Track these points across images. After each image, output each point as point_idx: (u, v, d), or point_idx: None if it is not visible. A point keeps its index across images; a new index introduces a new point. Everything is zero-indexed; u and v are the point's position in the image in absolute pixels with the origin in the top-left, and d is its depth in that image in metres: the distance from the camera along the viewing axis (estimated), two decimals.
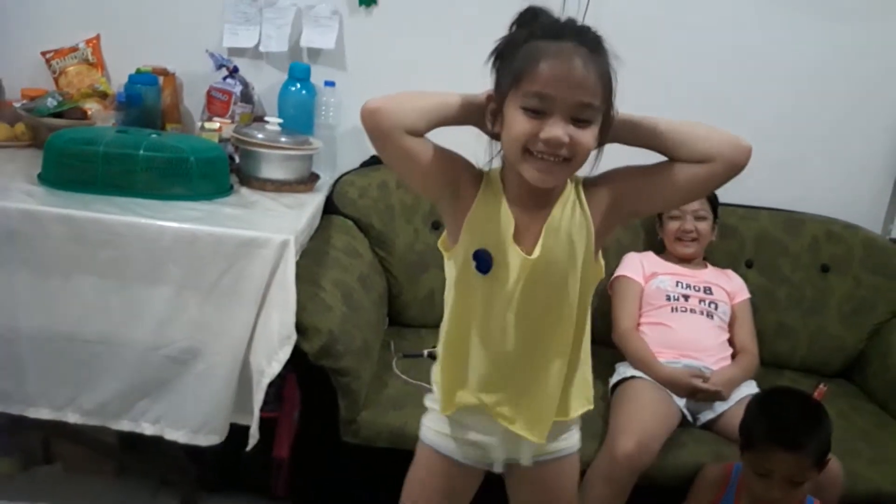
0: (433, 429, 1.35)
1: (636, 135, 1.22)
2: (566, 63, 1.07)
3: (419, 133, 1.19)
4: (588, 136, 1.10)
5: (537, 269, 1.19)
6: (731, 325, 2.15)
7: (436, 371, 1.36)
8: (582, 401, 1.33)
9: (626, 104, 2.54)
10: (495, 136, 1.20)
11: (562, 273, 1.21)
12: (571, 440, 1.35)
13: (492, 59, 1.18)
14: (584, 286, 1.24)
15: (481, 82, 2.46)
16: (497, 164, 1.25)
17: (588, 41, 1.09)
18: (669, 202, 1.63)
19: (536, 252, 1.18)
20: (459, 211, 1.22)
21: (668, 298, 2.11)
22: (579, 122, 1.09)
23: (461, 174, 1.23)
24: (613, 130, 1.18)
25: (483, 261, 1.21)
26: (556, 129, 1.07)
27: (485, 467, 1.35)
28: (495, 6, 2.29)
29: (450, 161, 1.23)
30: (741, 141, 1.19)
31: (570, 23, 1.12)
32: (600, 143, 1.16)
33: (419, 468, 1.38)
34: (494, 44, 1.17)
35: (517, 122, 1.10)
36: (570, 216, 1.20)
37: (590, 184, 1.23)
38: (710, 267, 2.26)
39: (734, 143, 1.19)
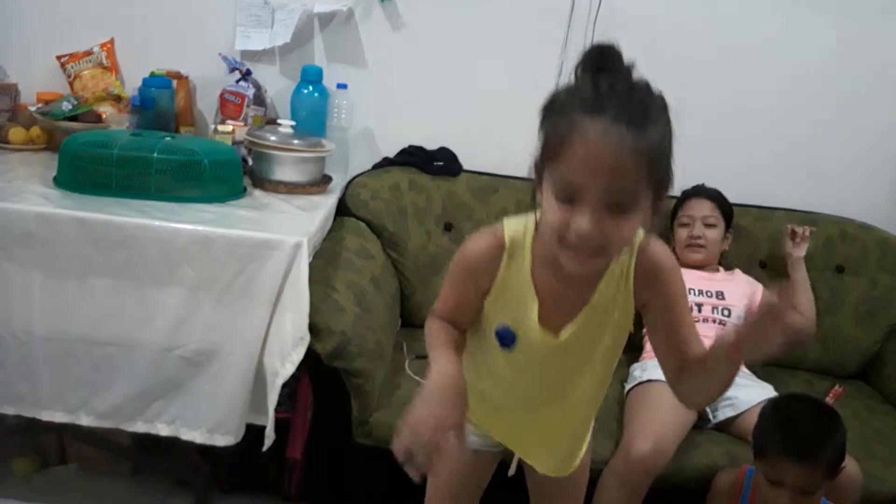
0: None
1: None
2: (597, 147, 0.92)
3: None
4: (624, 225, 0.96)
5: (565, 348, 1.16)
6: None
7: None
8: (586, 441, 1.37)
9: None
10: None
11: (592, 347, 1.19)
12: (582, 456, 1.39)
13: (540, 116, 1.04)
14: (615, 348, 1.21)
15: (492, 82, 2.47)
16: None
17: (632, 112, 0.93)
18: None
19: (565, 335, 1.15)
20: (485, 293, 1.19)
21: None
22: (615, 208, 0.95)
23: (484, 283, 1.18)
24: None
25: (505, 338, 1.19)
26: (584, 223, 0.95)
27: (500, 450, 1.37)
28: (510, 8, 2.31)
29: (476, 292, 1.19)
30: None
31: (618, 87, 0.95)
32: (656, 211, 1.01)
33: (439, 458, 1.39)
34: (547, 95, 1.03)
35: (549, 209, 0.99)
36: (613, 293, 1.13)
37: (644, 261, 1.12)
38: (722, 271, 2.25)
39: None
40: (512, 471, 1.39)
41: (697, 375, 1.11)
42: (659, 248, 1.13)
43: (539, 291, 1.13)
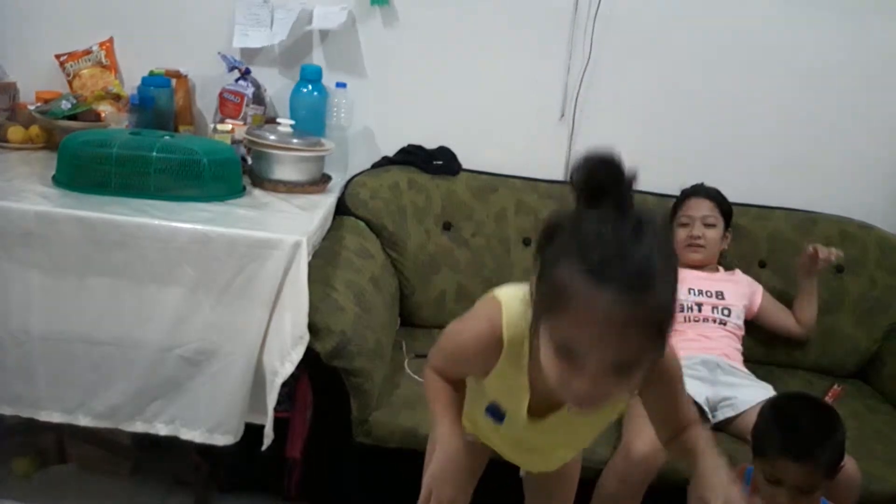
0: None
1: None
2: (603, 321, 0.87)
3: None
4: (627, 383, 0.94)
5: (553, 428, 1.18)
6: (773, 321, 2.22)
7: None
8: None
9: (635, 102, 2.55)
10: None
11: (581, 425, 1.23)
12: None
13: (537, 243, 0.98)
14: (609, 420, 1.26)
15: (491, 81, 2.47)
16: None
17: (637, 279, 0.87)
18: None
19: (552, 420, 1.16)
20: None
21: (682, 308, 2.10)
22: (619, 370, 0.91)
23: (480, 369, 1.18)
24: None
25: (496, 415, 1.21)
26: (585, 386, 0.92)
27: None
28: (510, 7, 2.31)
29: (468, 372, 1.23)
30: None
31: (622, 240, 0.88)
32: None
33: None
34: (543, 226, 0.97)
35: (548, 360, 0.95)
36: None
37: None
38: (721, 271, 2.25)
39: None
40: (523, 472, 1.44)
41: (679, 454, 1.18)
42: (667, 360, 1.08)
43: (532, 387, 1.12)
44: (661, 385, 1.12)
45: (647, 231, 0.89)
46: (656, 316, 0.89)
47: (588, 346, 0.90)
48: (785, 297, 2.30)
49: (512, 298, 1.09)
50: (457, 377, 1.24)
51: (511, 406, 1.17)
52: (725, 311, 2.12)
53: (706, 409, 1.88)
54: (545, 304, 0.94)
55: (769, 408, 1.64)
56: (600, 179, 0.91)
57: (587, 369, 0.91)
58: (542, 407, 1.14)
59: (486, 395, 1.21)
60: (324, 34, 2.34)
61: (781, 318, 2.23)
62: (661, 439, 1.22)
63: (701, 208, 2.22)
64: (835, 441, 1.52)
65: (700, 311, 2.10)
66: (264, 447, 1.66)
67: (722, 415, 1.91)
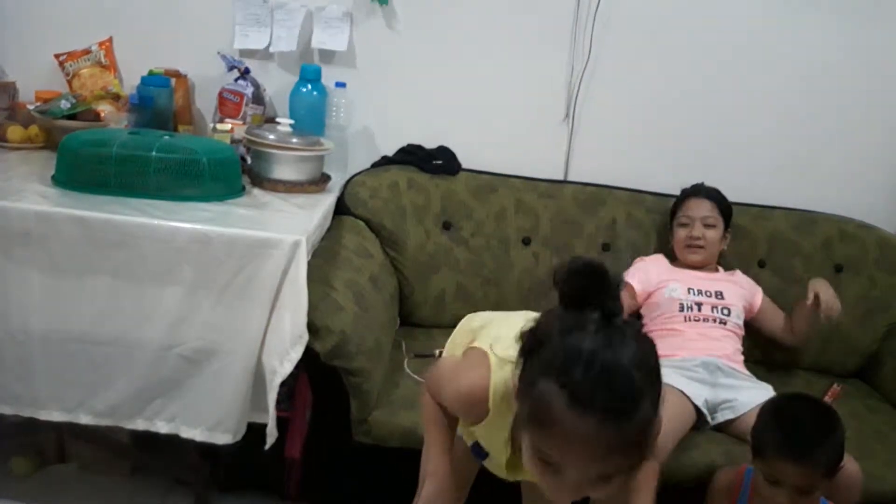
0: None
1: None
2: (583, 445, 0.89)
3: None
4: (608, 489, 0.95)
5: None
6: (767, 324, 2.21)
7: None
8: None
9: (634, 102, 2.55)
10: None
11: None
12: None
13: (519, 346, 1.00)
14: None
15: (491, 81, 2.47)
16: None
17: (618, 411, 0.89)
18: None
19: (529, 475, 1.12)
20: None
21: (682, 308, 2.10)
22: (601, 480, 0.94)
23: (469, 419, 1.23)
24: None
25: (478, 453, 1.26)
26: (564, 494, 0.95)
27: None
28: (509, 6, 2.31)
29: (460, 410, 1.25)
30: None
31: (604, 362, 0.90)
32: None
33: None
34: (528, 332, 0.98)
35: (529, 460, 0.97)
36: None
37: None
38: (721, 271, 2.25)
39: None
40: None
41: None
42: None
43: (515, 445, 1.14)
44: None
45: (629, 345, 0.91)
46: (637, 436, 0.91)
47: (568, 464, 0.92)
48: (784, 296, 2.30)
49: (502, 362, 1.12)
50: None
51: (493, 451, 1.22)
52: (725, 311, 2.12)
53: (705, 411, 1.88)
54: (527, 416, 0.95)
55: (769, 408, 1.64)
56: (585, 288, 0.93)
57: (567, 481, 0.93)
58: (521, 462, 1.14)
59: (471, 434, 1.26)
60: (324, 34, 2.34)
61: (777, 323, 2.22)
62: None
63: (701, 209, 2.22)
64: (834, 441, 1.52)
65: (700, 310, 2.10)
66: (267, 446, 1.66)
67: (722, 417, 1.91)
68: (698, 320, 2.09)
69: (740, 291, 2.19)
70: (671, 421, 1.80)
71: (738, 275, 2.26)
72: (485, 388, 1.13)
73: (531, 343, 0.97)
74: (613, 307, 0.93)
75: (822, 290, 2.06)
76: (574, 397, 0.88)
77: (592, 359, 0.89)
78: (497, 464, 1.23)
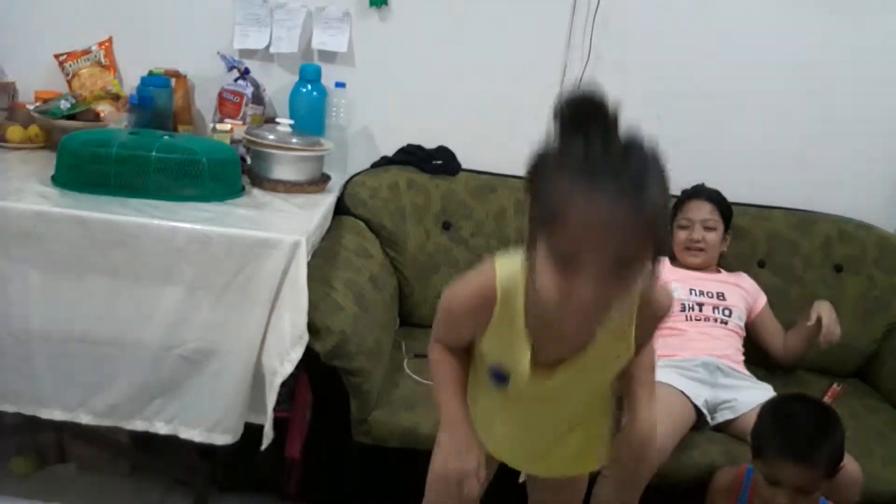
0: None
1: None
2: (600, 223, 0.90)
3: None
4: (626, 286, 0.96)
5: (560, 388, 1.17)
6: (763, 334, 2.19)
7: None
8: (596, 460, 1.36)
9: (633, 102, 2.54)
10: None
11: (591, 382, 1.21)
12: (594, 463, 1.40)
13: (526, 171, 1.00)
14: (613, 381, 1.25)
15: (490, 82, 2.47)
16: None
17: (631, 180, 0.90)
18: None
19: (559, 377, 1.15)
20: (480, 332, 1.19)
21: (684, 308, 2.10)
22: (617, 272, 0.93)
23: (477, 328, 1.19)
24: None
25: (498, 377, 1.20)
26: (586, 292, 0.93)
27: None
28: (509, 6, 2.31)
29: (469, 333, 1.22)
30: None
31: (613, 155, 0.91)
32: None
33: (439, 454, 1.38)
34: (530, 157, 0.99)
35: (546, 276, 0.96)
36: (614, 341, 1.14)
37: (647, 309, 1.13)
38: (723, 272, 2.25)
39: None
40: (522, 478, 1.40)
41: (623, 384, 1.24)
42: (661, 295, 1.15)
43: (532, 338, 1.13)
44: (645, 324, 1.16)
45: (637, 143, 0.93)
46: (651, 216, 0.91)
47: (587, 250, 0.91)
48: (784, 296, 2.30)
49: (506, 261, 1.13)
50: (457, 343, 1.24)
51: (513, 364, 1.16)
52: (726, 312, 2.12)
53: (705, 411, 1.88)
54: (542, 221, 0.96)
55: (768, 409, 1.64)
56: (586, 112, 0.93)
57: (588, 273, 0.92)
58: (547, 362, 1.14)
59: (486, 358, 1.20)
60: (324, 35, 2.34)
61: (772, 334, 2.21)
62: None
63: (701, 211, 2.21)
64: (834, 441, 1.53)
65: (701, 310, 2.10)
66: (264, 446, 1.66)
67: (721, 417, 1.91)
68: (700, 320, 2.09)
69: (742, 294, 2.19)
70: (671, 420, 1.80)
71: (743, 278, 2.25)
72: (490, 280, 1.12)
73: (536, 166, 0.98)
74: (615, 128, 0.93)
75: (826, 314, 2.06)
76: (587, 181, 0.90)
77: (601, 155, 0.91)
78: (521, 378, 1.16)
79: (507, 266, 1.11)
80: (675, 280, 2.16)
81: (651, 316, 1.15)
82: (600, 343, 1.13)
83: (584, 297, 0.93)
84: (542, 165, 0.97)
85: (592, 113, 0.92)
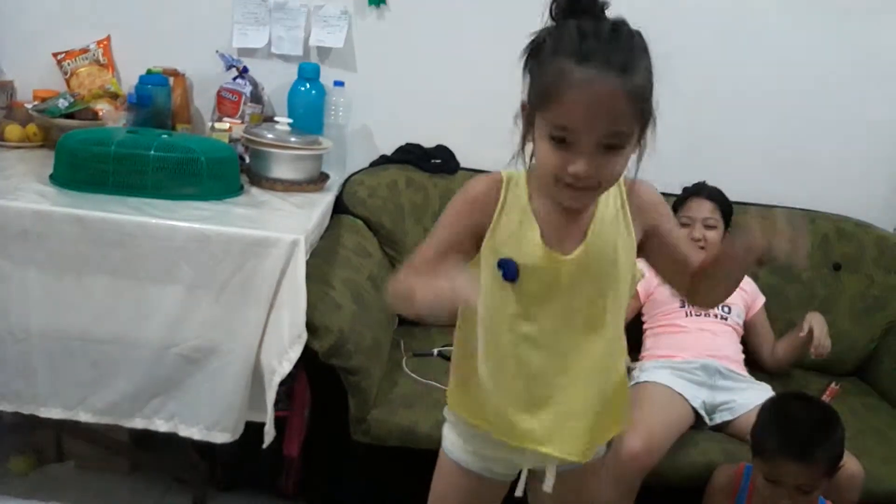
0: (456, 444, 1.28)
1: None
2: (591, 95, 0.99)
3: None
4: (618, 162, 1.05)
5: (576, 270, 1.14)
6: (753, 337, 2.19)
7: (452, 390, 1.29)
8: (620, 420, 1.28)
9: None
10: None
11: (603, 275, 1.16)
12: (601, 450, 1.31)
13: (523, 60, 1.10)
14: (623, 292, 1.20)
15: (489, 80, 2.46)
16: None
17: (619, 57, 1.01)
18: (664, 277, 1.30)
19: (576, 252, 1.13)
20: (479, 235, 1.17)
21: (683, 304, 2.10)
22: (609, 147, 1.03)
23: (482, 221, 1.16)
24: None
25: (508, 269, 1.14)
26: (582, 165, 1.01)
27: (509, 479, 1.30)
28: (508, 5, 2.31)
29: (471, 234, 1.16)
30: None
31: (602, 33, 1.02)
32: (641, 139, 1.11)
33: (442, 482, 1.32)
34: (527, 41, 1.10)
35: (544, 153, 1.05)
36: (614, 218, 1.17)
37: (635, 196, 1.19)
38: None
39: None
40: (519, 491, 1.28)
41: (710, 278, 1.20)
42: (645, 184, 1.21)
43: (538, 219, 1.15)
44: (655, 221, 1.21)
45: (624, 27, 1.04)
46: (637, 93, 1.02)
47: (580, 123, 1.00)
48: (783, 296, 2.31)
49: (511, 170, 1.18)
50: (446, 258, 1.14)
51: (525, 248, 1.13)
52: (725, 308, 2.11)
53: (703, 412, 1.88)
54: (538, 100, 1.04)
55: (768, 408, 1.64)
56: (568, 5, 1.04)
57: (581, 146, 1.01)
58: (564, 238, 1.14)
59: (496, 253, 1.15)
60: (323, 33, 2.34)
61: (762, 338, 2.20)
62: (684, 291, 1.25)
63: (702, 210, 2.20)
64: (834, 440, 1.53)
65: None
66: (265, 445, 1.67)
67: (720, 418, 1.91)
68: (699, 315, 2.09)
69: (740, 293, 2.19)
70: (668, 418, 1.80)
71: (743, 278, 2.25)
72: (497, 174, 1.19)
73: (531, 48, 1.08)
74: (604, 11, 1.04)
75: (817, 326, 2.07)
76: (576, 53, 1.00)
77: (590, 34, 1.01)
78: (534, 254, 1.13)
79: (510, 168, 1.18)
80: None
81: (643, 206, 1.20)
82: (599, 229, 1.15)
83: (580, 170, 1.02)
84: (537, 49, 1.07)
85: (583, 2, 1.03)
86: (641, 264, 1.23)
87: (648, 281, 2.17)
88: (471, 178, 1.22)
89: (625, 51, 1.02)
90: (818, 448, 1.51)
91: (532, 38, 1.09)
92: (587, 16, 1.03)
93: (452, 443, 1.29)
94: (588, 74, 0.99)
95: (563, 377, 1.18)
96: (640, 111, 1.05)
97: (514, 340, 1.17)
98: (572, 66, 1.00)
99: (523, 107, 1.11)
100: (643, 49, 1.07)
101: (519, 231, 1.14)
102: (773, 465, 1.53)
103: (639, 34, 1.06)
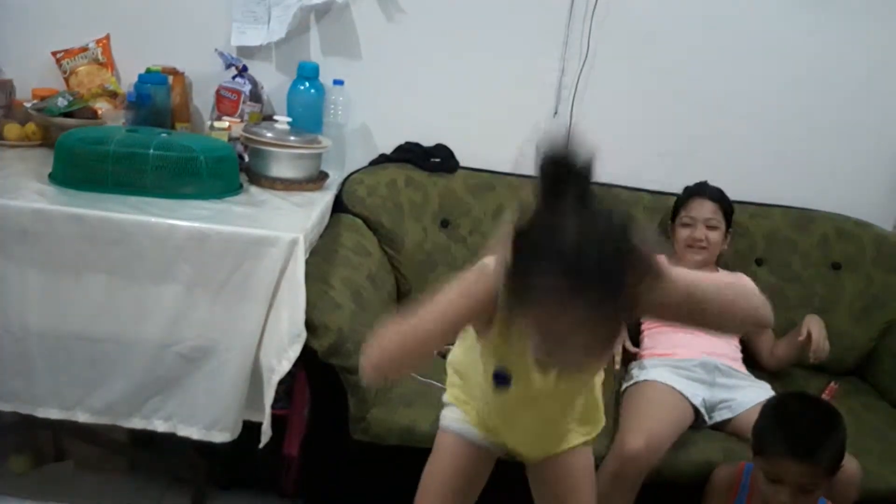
0: (454, 417, 1.39)
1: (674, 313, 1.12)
2: (570, 328, 0.94)
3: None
4: (600, 361, 1.06)
5: (558, 381, 1.21)
6: (752, 336, 2.18)
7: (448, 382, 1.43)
8: (588, 428, 1.41)
9: (632, 100, 2.55)
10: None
11: (582, 381, 1.28)
12: (576, 438, 1.40)
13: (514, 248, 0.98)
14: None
15: (489, 79, 2.46)
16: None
17: (602, 285, 0.91)
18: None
19: (553, 380, 1.19)
20: (484, 327, 1.18)
21: None
22: (592, 349, 1.01)
23: (484, 310, 1.12)
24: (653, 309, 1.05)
25: (501, 379, 1.23)
26: (568, 359, 1.01)
27: (500, 451, 1.41)
28: (508, 4, 2.31)
29: (469, 316, 1.15)
30: (763, 313, 1.15)
31: (585, 253, 0.91)
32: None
33: (442, 453, 1.40)
34: (512, 234, 0.98)
35: (529, 337, 1.00)
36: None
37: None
38: (721, 271, 2.25)
39: (755, 323, 1.20)
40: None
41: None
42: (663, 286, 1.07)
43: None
44: (656, 303, 1.02)
45: (604, 217, 0.93)
46: (622, 310, 0.95)
47: (562, 340, 0.96)
48: (782, 295, 2.30)
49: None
50: (442, 340, 1.16)
51: (517, 364, 1.19)
52: None
53: (702, 410, 1.88)
54: (519, 301, 0.97)
55: (770, 407, 1.64)
56: (556, 177, 0.95)
57: (564, 355, 0.99)
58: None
59: (491, 358, 1.21)
60: (322, 32, 2.33)
61: (762, 338, 2.20)
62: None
63: (704, 210, 2.20)
64: (836, 440, 1.53)
65: None
66: (262, 444, 1.66)
67: (719, 416, 1.91)
68: None
69: None
70: (668, 417, 1.80)
71: (742, 278, 2.24)
72: (489, 280, 1.06)
73: (516, 240, 0.98)
74: (588, 190, 0.95)
75: (816, 329, 2.08)
76: (566, 275, 0.91)
77: (573, 245, 0.92)
78: (524, 374, 1.19)
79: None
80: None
81: (664, 297, 1.01)
82: None
83: (567, 361, 1.02)
84: (520, 242, 0.96)
85: (562, 179, 0.94)
86: None
87: None
88: (481, 268, 1.11)
89: (610, 262, 0.91)
90: (822, 448, 1.50)
91: (515, 229, 0.97)
92: (570, 194, 0.93)
93: (451, 417, 1.40)
94: (568, 305, 0.92)
95: (533, 409, 1.29)
96: (625, 314, 0.97)
97: (487, 388, 1.28)
98: (556, 283, 0.91)
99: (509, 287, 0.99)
100: (628, 246, 0.93)
101: (515, 345, 1.14)
102: (776, 465, 1.52)
103: (625, 216, 0.95)
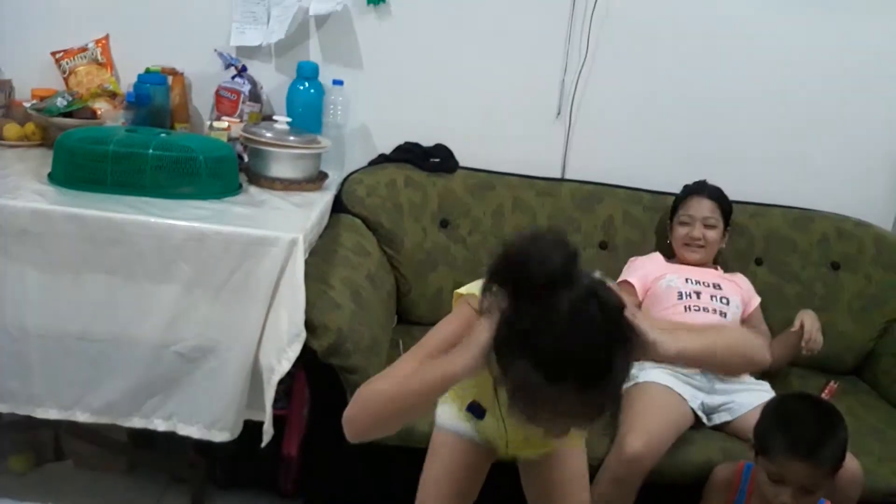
0: (448, 415, 1.40)
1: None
2: (560, 415, 0.98)
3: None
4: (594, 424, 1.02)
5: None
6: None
7: None
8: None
9: (632, 100, 2.55)
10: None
11: None
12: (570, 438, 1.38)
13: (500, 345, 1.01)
14: None
15: (488, 79, 2.46)
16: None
17: (592, 376, 0.94)
18: None
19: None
20: None
21: (681, 296, 2.09)
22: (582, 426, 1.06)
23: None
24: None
25: (476, 411, 1.29)
26: (556, 429, 1.04)
27: (493, 447, 1.41)
28: (507, 4, 2.31)
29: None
30: (759, 358, 1.20)
31: (570, 345, 0.93)
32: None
33: (439, 452, 1.41)
34: (499, 332, 1.00)
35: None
36: None
37: None
38: (719, 270, 2.25)
39: (752, 363, 1.24)
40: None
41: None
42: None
43: None
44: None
45: (592, 310, 0.94)
46: (609, 399, 0.97)
47: (551, 423, 1.00)
48: (781, 295, 2.31)
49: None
50: (424, 406, 1.21)
51: (490, 402, 1.24)
52: (724, 301, 2.09)
53: (701, 414, 1.88)
54: (510, 392, 0.99)
55: (772, 407, 1.64)
56: (532, 279, 0.95)
57: (548, 426, 1.01)
58: None
59: (467, 393, 1.26)
60: (321, 32, 2.34)
61: (758, 337, 2.20)
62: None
63: (702, 209, 2.20)
64: (838, 439, 1.53)
65: (699, 298, 2.08)
66: (263, 444, 1.67)
67: (719, 419, 1.91)
68: (698, 309, 2.06)
69: (737, 289, 2.19)
70: (668, 418, 1.80)
71: (740, 277, 2.25)
72: (475, 350, 1.07)
73: (503, 331, 1.00)
74: (570, 277, 0.95)
75: (809, 322, 2.08)
76: (548, 374, 0.93)
77: (559, 334, 0.93)
78: (497, 412, 1.25)
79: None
80: (671, 273, 2.16)
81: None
82: None
83: (556, 431, 1.04)
84: (506, 331, 0.98)
85: (560, 274, 0.94)
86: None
87: (645, 276, 2.17)
88: (463, 303, 1.17)
89: (594, 353, 0.94)
90: (825, 447, 1.51)
91: (499, 326, 1.00)
92: (546, 289, 0.94)
93: (446, 414, 1.40)
94: (561, 394, 0.94)
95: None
96: (611, 403, 0.99)
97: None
98: (540, 380, 0.94)
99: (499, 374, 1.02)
100: (610, 329, 0.96)
101: (490, 386, 1.15)
102: (779, 465, 1.52)
103: (612, 307, 0.96)
